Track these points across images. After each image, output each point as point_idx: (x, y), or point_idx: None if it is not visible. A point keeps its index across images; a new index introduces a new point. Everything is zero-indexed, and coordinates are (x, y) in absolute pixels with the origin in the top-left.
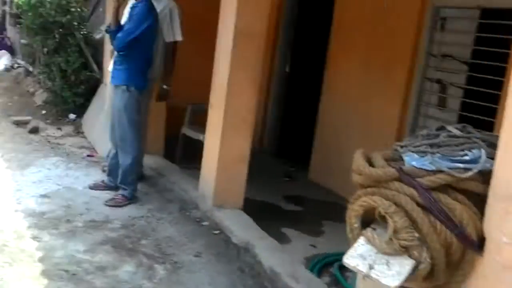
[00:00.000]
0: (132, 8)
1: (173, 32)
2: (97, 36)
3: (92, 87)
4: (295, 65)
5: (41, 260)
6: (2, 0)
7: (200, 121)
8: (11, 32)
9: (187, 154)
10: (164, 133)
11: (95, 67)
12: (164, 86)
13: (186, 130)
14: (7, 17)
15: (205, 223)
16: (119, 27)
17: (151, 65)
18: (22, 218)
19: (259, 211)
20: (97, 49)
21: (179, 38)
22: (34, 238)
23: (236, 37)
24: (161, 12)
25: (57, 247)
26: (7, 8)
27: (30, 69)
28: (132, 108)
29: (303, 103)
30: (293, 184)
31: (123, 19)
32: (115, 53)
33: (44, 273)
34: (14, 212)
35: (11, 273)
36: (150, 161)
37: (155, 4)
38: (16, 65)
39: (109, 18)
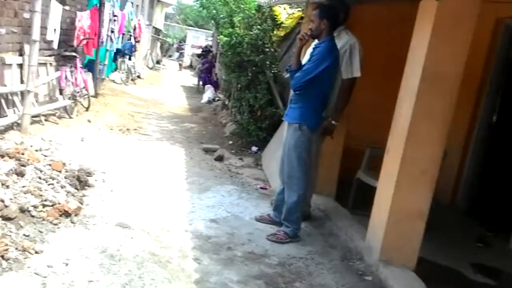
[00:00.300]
0: (314, 48)
1: (351, 68)
2: (286, 75)
3: (275, 123)
4: (504, 114)
5: (196, 282)
6: (216, 42)
7: (379, 166)
8: (220, 71)
9: (361, 200)
10: (338, 175)
11: (280, 104)
12: (333, 122)
13: (362, 175)
14: (218, 56)
15: (368, 277)
16: (300, 67)
17: (327, 105)
18: (189, 238)
19: (436, 275)
20: (284, 87)
21: (357, 74)
22: (196, 259)
23: (424, 80)
24: (341, 49)
25: (213, 272)
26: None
27: (226, 102)
28: (303, 147)
29: (509, 158)
30: (487, 252)
31: (305, 59)
32: (292, 91)
33: None
34: (184, 232)
35: None
36: (319, 202)
37: (336, 41)
38: (217, 98)
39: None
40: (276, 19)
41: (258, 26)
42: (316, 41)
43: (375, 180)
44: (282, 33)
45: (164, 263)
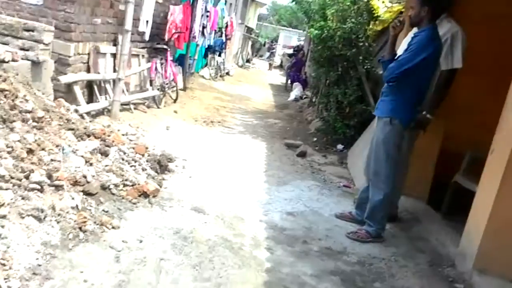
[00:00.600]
0: (413, 37)
1: (451, 59)
2: (380, 71)
3: (365, 121)
4: None
5: (267, 271)
6: (308, 41)
7: (480, 171)
8: (308, 68)
9: (456, 205)
10: (432, 177)
11: (371, 101)
12: (428, 115)
13: (460, 178)
14: (308, 54)
15: (460, 285)
16: (393, 57)
17: (422, 100)
18: (263, 228)
19: None
20: (377, 84)
21: (458, 65)
22: (268, 249)
23: None
24: (441, 38)
25: (286, 263)
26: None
27: (313, 99)
28: (392, 143)
29: None
30: None
31: (401, 48)
32: (384, 83)
33: (266, 284)
34: (259, 221)
35: (237, 275)
36: (408, 204)
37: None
38: (304, 96)
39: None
40: (373, 12)
41: (353, 20)
42: (415, 30)
43: (475, 184)
44: (379, 28)
45: (236, 250)
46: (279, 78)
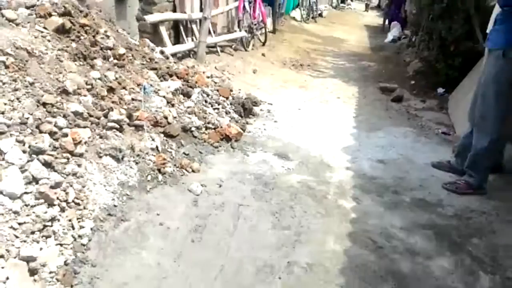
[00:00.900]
0: None
1: None
2: (492, 3)
3: (471, 60)
4: None
5: (352, 221)
6: None
7: None
8: (409, 6)
9: None
10: None
11: (480, 37)
12: None
13: None
14: None
15: None
16: None
17: None
18: (350, 176)
19: None
20: (488, 17)
21: None
22: (355, 199)
23: None
24: None
25: (373, 214)
26: None
27: (413, 39)
28: (504, 79)
29: None
30: None
31: None
32: (498, 9)
33: (351, 236)
34: (345, 169)
35: (319, 224)
36: None
37: None
38: (403, 37)
39: None
40: None
41: None
42: None
43: None
44: None
45: (319, 198)
46: (376, 19)
